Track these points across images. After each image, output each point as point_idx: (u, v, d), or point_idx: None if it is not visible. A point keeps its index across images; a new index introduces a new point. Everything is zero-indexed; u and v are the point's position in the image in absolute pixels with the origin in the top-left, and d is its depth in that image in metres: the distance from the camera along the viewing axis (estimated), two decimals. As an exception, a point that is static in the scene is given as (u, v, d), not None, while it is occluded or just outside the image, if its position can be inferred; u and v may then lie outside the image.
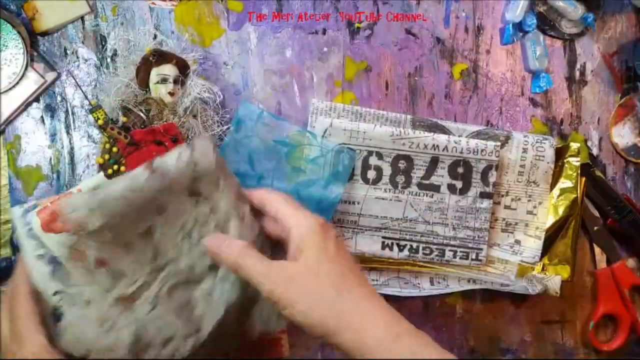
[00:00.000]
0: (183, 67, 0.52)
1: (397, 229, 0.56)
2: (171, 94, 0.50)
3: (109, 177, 0.49)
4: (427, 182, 0.56)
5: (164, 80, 0.50)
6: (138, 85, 0.51)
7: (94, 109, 0.50)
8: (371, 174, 0.55)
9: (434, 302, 0.59)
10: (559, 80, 0.60)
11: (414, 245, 0.56)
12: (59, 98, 0.55)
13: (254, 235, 0.44)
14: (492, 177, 0.56)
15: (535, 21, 0.58)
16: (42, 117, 0.55)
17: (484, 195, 0.56)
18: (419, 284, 0.58)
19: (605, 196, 0.59)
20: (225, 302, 0.44)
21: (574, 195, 0.57)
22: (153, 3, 0.55)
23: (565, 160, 0.58)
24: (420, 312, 0.59)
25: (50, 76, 0.54)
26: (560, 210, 0.58)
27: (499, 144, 0.56)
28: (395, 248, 0.56)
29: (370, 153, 0.55)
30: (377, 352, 0.38)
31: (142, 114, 0.50)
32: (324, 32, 0.57)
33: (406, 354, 0.39)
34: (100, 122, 0.49)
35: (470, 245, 0.56)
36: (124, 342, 0.42)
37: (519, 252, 0.57)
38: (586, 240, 0.61)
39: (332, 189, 0.54)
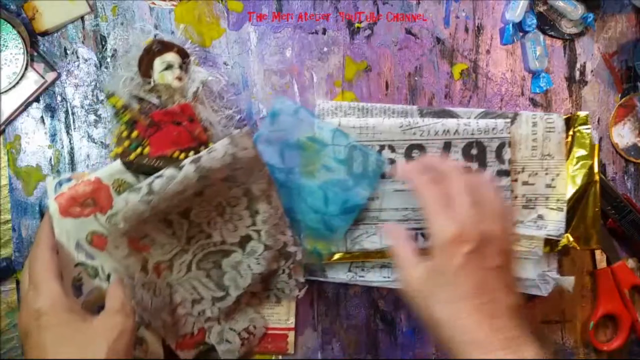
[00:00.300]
0: (184, 55, 0.52)
1: (420, 219, 0.55)
2: (179, 78, 0.51)
3: (130, 162, 0.49)
4: None
5: (169, 67, 0.50)
6: (142, 76, 0.51)
7: (109, 95, 0.50)
8: (386, 168, 0.55)
9: (434, 302, 0.59)
10: (559, 80, 0.60)
11: None
12: (59, 98, 0.55)
13: (278, 216, 0.51)
14: (507, 154, 0.55)
15: (535, 21, 0.58)
16: (42, 117, 0.55)
17: (501, 173, 0.55)
18: None
19: (605, 196, 0.59)
20: (251, 274, 0.51)
21: (590, 162, 0.57)
22: (153, 3, 0.55)
23: (575, 130, 0.57)
24: (420, 312, 0.59)
25: (50, 76, 0.54)
26: (579, 180, 0.57)
27: (509, 120, 0.55)
28: (420, 238, 0.55)
29: (382, 147, 0.55)
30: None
31: (154, 100, 0.50)
32: (324, 32, 0.57)
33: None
34: (118, 106, 0.49)
35: None
36: (163, 300, 0.50)
37: (543, 227, 0.56)
38: (586, 240, 0.61)
39: (358, 191, 0.54)
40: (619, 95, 0.61)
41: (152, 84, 0.50)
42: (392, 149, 0.55)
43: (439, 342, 0.42)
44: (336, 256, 0.55)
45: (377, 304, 0.59)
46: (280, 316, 0.56)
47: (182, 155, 0.49)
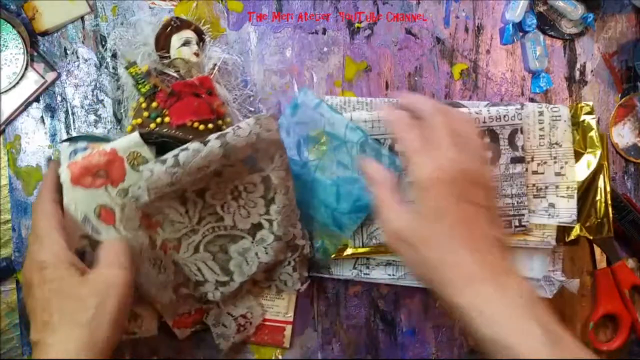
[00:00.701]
0: (200, 33, 0.52)
1: None
2: (196, 54, 0.51)
3: (151, 132, 0.48)
4: None
5: (187, 43, 0.51)
6: (159, 50, 0.51)
7: (130, 65, 0.49)
8: (399, 161, 0.55)
9: (434, 302, 0.59)
10: (559, 80, 0.60)
11: None
12: (59, 98, 0.55)
13: (291, 208, 0.51)
14: (520, 141, 0.55)
15: (535, 21, 0.58)
16: (42, 117, 0.55)
17: (515, 160, 0.55)
18: None
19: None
20: (257, 262, 0.51)
21: (599, 150, 0.57)
22: (153, 3, 0.55)
23: (580, 120, 0.58)
24: (420, 312, 0.59)
25: (50, 76, 0.54)
26: (592, 166, 0.58)
27: (519, 106, 0.55)
28: None
29: (394, 140, 0.55)
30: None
31: (172, 74, 0.50)
32: (324, 32, 0.57)
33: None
34: (139, 75, 0.49)
35: (511, 212, 0.56)
36: (167, 277, 0.49)
37: (555, 215, 0.56)
38: (586, 240, 0.61)
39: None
40: (619, 95, 0.61)
41: (169, 59, 0.51)
42: None
43: (430, 285, 0.41)
44: (349, 251, 0.55)
45: (377, 304, 0.59)
46: (279, 309, 0.56)
47: (202, 127, 0.49)
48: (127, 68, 0.49)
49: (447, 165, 0.40)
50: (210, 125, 0.50)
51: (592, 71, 0.61)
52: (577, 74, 0.60)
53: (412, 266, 0.42)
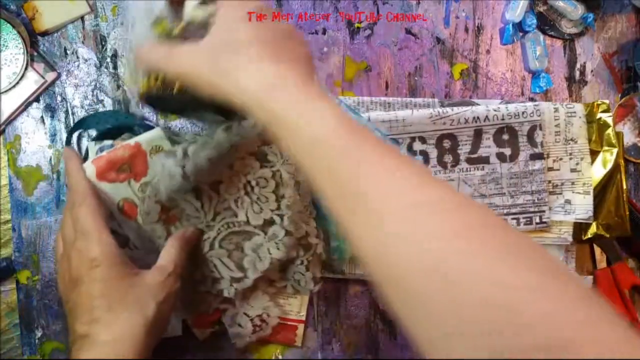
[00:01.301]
0: None
1: None
2: (211, 15, 0.41)
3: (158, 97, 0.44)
4: (475, 155, 0.56)
5: (203, 3, 0.42)
6: (172, 7, 0.43)
7: (158, 20, 0.43)
8: (418, 160, 0.55)
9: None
10: (559, 80, 0.60)
11: None
12: (59, 98, 0.55)
13: (307, 201, 0.52)
14: (539, 137, 0.55)
15: (535, 21, 0.58)
16: (42, 117, 0.55)
17: (534, 156, 0.56)
18: None
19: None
20: (270, 258, 0.51)
21: (616, 148, 0.58)
22: (153, 3, 0.55)
23: (597, 118, 0.58)
24: (420, 312, 0.59)
25: (50, 76, 0.54)
26: (608, 166, 0.58)
27: (537, 102, 0.55)
28: None
29: (413, 139, 0.55)
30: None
31: (191, 35, 0.41)
32: (324, 32, 0.57)
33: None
34: (165, 32, 0.42)
35: (531, 209, 0.56)
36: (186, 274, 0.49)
37: (571, 212, 0.57)
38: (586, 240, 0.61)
39: None
40: (619, 95, 0.61)
41: (183, 19, 0.43)
42: (422, 140, 0.55)
43: (212, 83, 0.36)
44: None
45: (377, 304, 0.59)
46: (292, 307, 0.57)
47: None
48: (153, 24, 0.43)
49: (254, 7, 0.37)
50: None
51: (592, 71, 0.61)
52: (577, 74, 0.60)
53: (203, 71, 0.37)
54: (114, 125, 0.53)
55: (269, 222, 0.51)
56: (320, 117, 0.33)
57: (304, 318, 0.57)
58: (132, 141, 0.49)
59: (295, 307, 0.57)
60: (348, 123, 0.33)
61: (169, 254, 0.46)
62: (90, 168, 0.47)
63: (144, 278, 0.43)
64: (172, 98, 0.43)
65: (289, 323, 0.57)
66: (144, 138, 0.49)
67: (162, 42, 0.40)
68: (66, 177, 0.50)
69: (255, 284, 0.53)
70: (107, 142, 0.50)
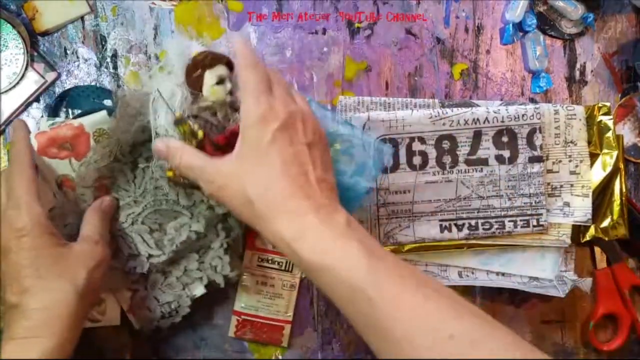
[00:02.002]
0: (231, 67, 0.47)
1: (453, 210, 0.56)
2: (230, 93, 0.46)
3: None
4: (474, 157, 0.56)
5: (221, 81, 0.45)
6: (190, 88, 0.46)
7: (179, 121, 0.45)
8: (417, 160, 0.55)
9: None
10: (559, 80, 0.60)
11: (472, 222, 0.56)
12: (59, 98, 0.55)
13: None
14: (538, 140, 0.55)
15: (535, 21, 0.58)
16: (42, 117, 0.55)
17: (533, 159, 0.56)
18: (447, 276, 0.58)
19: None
20: (188, 231, 0.51)
21: (615, 151, 0.58)
22: (153, 3, 0.55)
23: (597, 121, 0.58)
24: (420, 312, 0.59)
25: (50, 76, 0.54)
26: (608, 169, 0.58)
27: (538, 106, 0.55)
28: (454, 229, 0.56)
29: (412, 139, 0.55)
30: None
31: (212, 120, 0.46)
32: (324, 32, 0.57)
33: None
34: (186, 134, 0.45)
35: (529, 212, 0.56)
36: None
37: (570, 214, 0.57)
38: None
39: (358, 181, 0.53)
40: (619, 95, 0.61)
41: (201, 97, 0.45)
42: (422, 140, 0.55)
43: (251, 223, 0.41)
44: None
45: (377, 304, 0.59)
46: (279, 308, 0.56)
47: None
48: (176, 124, 0.45)
49: (274, 106, 0.40)
50: None
51: (592, 71, 0.61)
52: (577, 74, 0.60)
53: (234, 207, 0.41)
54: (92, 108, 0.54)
55: (197, 205, 0.51)
56: (346, 253, 0.38)
57: (291, 319, 0.57)
58: (76, 122, 0.51)
59: (282, 308, 0.57)
60: (370, 250, 0.38)
61: (91, 225, 0.47)
62: (33, 142, 0.49)
63: (73, 248, 0.44)
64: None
65: (275, 323, 0.57)
66: (87, 120, 0.51)
67: (187, 142, 0.44)
68: (11, 146, 0.49)
69: (170, 270, 0.52)
70: (59, 119, 0.52)
